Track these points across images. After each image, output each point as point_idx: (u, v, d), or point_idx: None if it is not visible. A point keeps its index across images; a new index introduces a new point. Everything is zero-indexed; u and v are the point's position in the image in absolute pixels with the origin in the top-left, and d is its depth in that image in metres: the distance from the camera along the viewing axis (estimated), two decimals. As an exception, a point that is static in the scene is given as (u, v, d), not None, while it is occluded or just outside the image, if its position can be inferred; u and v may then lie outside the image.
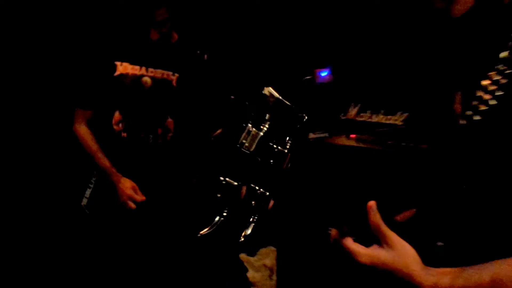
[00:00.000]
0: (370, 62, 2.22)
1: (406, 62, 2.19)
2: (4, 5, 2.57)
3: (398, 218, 1.22)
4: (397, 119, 2.10)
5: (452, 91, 1.08)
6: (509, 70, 0.85)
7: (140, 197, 1.96)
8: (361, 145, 2.13)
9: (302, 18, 2.49)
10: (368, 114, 2.13)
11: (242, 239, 0.85)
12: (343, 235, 0.85)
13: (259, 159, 0.88)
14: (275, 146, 0.89)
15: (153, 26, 1.92)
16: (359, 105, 2.19)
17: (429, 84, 2.05)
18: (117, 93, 1.97)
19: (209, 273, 2.51)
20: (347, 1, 2.42)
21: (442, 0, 0.90)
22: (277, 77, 2.41)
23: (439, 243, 0.90)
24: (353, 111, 2.15)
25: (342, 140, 2.21)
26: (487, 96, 0.87)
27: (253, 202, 0.86)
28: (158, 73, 2.00)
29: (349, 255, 0.83)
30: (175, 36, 2.05)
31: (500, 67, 0.86)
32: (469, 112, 0.90)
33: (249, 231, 0.86)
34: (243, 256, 2.56)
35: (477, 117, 0.88)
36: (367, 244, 0.82)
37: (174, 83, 2.03)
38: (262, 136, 0.87)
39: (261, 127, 0.89)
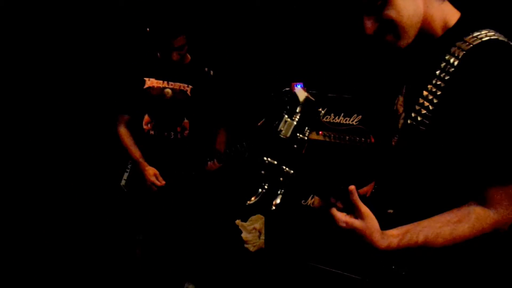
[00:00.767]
0: (335, 78, 2.67)
1: (361, 77, 2.60)
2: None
3: (366, 193, 1.48)
4: (353, 120, 2.40)
5: (394, 97, 1.24)
6: (443, 84, 0.98)
7: (160, 183, 2.34)
8: (327, 139, 2.45)
9: (280, 40, 2.94)
10: (331, 116, 2.45)
11: (274, 207, 0.96)
12: (329, 204, 1.00)
13: (292, 144, 0.99)
14: (298, 134, 1.01)
15: (173, 50, 2.27)
16: (325, 109, 2.72)
17: (377, 94, 2.37)
18: (146, 101, 2.38)
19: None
20: (313, 27, 2.83)
21: (391, 36, 1.02)
22: (264, 89, 2.94)
23: (390, 211, 1.07)
24: (321, 114, 2.70)
25: (314, 135, 2.71)
26: (426, 103, 1.01)
27: (281, 178, 0.96)
28: (177, 85, 2.40)
29: (332, 219, 0.99)
30: (189, 57, 2.44)
31: (436, 81, 0.99)
32: (413, 114, 1.04)
33: (278, 201, 0.97)
34: (238, 221, 3.00)
35: (419, 118, 1.02)
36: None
37: (189, 92, 2.42)
38: (295, 124, 0.99)
39: (294, 117, 1.01)
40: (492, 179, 0.96)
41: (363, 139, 2.45)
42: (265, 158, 0.98)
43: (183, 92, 2.44)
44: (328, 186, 1.02)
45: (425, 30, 1.04)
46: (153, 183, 2.35)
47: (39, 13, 3.04)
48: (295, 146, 1.00)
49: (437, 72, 0.99)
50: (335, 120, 2.58)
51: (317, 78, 2.78)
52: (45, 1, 3.05)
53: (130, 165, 2.50)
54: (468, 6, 1.10)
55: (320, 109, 2.82)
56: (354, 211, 0.98)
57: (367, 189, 1.56)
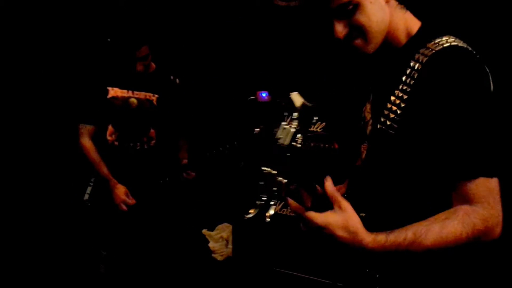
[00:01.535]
0: (297, 86, 2.82)
1: (323, 85, 2.61)
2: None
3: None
4: (317, 127, 2.44)
5: (361, 104, 1.27)
6: (408, 88, 1.02)
7: (131, 202, 2.26)
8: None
9: (244, 48, 2.98)
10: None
11: (268, 219, 0.91)
12: (300, 207, 0.97)
13: (287, 153, 0.94)
14: (292, 142, 0.96)
15: (137, 60, 2.26)
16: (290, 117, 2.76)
17: (340, 101, 2.45)
18: (110, 111, 2.32)
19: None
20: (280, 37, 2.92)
21: (360, 40, 1.04)
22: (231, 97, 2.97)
23: (362, 214, 1.02)
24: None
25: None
26: (394, 108, 1.04)
27: (275, 189, 0.92)
28: (142, 95, 2.37)
29: (306, 220, 0.95)
30: (153, 66, 2.41)
31: (402, 87, 1.03)
32: (382, 119, 1.06)
33: (272, 212, 0.91)
34: (204, 231, 2.98)
35: (388, 122, 1.05)
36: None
37: (154, 102, 2.37)
38: (293, 131, 0.95)
39: (291, 124, 0.97)
40: (467, 173, 0.95)
41: (327, 145, 2.50)
42: (263, 168, 0.94)
43: (149, 101, 2.41)
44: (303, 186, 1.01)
45: (390, 38, 1.09)
46: (124, 202, 2.27)
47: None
48: (289, 154, 0.96)
49: (403, 78, 1.03)
50: None
51: (281, 87, 2.84)
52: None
53: (93, 178, 2.42)
54: (428, 15, 1.15)
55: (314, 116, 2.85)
56: (331, 207, 0.95)
57: (339, 187, 1.53)
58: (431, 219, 0.95)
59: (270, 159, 0.95)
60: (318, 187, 0.98)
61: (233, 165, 2.63)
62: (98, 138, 2.37)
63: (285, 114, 0.98)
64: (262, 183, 0.92)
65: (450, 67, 0.98)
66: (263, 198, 0.92)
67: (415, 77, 1.01)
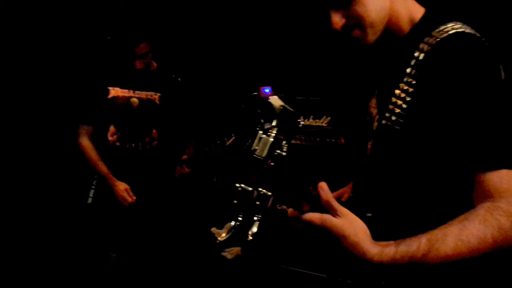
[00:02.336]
0: (302, 80, 2.74)
1: (328, 79, 2.61)
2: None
3: (342, 199, 1.46)
4: (322, 122, 2.39)
5: (367, 99, 1.21)
6: (413, 81, 0.96)
7: (131, 198, 2.27)
8: (297, 142, 2.42)
9: (247, 43, 2.90)
10: (301, 118, 2.43)
11: (250, 237, 0.86)
12: (298, 212, 0.86)
13: (268, 164, 0.86)
14: (275, 150, 0.87)
15: (137, 58, 2.24)
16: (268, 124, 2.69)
17: (346, 94, 2.39)
18: (111, 111, 2.30)
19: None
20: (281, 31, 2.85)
21: (359, 31, 1.00)
22: (233, 93, 2.91)
23: (368, 214, 0.97)
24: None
25: None
26: (399, 102, 0.99)
27: (257, 203, 0.84)
28: (143, 94, 2.34)
29: (306, 223, 0.85)
30: (155, 64, 2.39)
31: (407, 79, 0.97)
32: (387, 114, 1.01)
33: (255, 229, 0.86)
34: (213, 229, 2.99)
35: (394, 118, 0.99)
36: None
37: (157, 101, 2.35)
38: (272, 141, 0.86)
39: (269, 133, 0.87)
40: (488, 165, 0.86)
41: (333, 140, 2.46)
42: (237, 185, 0.84)
43: (151, 101, 2.38)
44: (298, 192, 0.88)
45: (392, 27, 1.04)
46: (125, 199, 2.27)
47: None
48: (273, 164, 0.87)
49: (408, 70, 0.98)
50: (305, 122, 2.59)
51: (285, 81, 2.79)
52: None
53: (95, 181, 2.41)
54: (432, 1, 1.10)
55: (300, 120, 2.82)
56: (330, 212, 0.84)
57: (343, 190, 1.58)
58: (448, 223, 0.82)
59: (245, 173, 0.86)
60: (313, 190, 0.87)
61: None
62: (99, 139, 2.36)
63: (262, 121, 0.91)
64: (236, 201, 0.84)
65: (457, 54, 0.92)
66: (239, 218, 0.86)
67: (419, 67, 0.96)
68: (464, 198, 0.89)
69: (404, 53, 1.01)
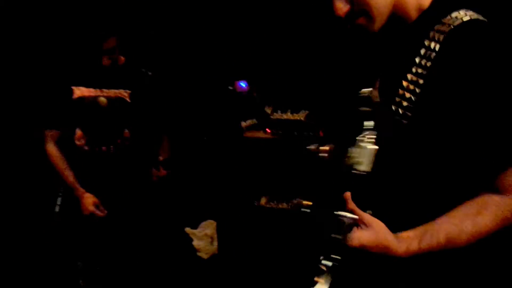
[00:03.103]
0: (279, 74, 2.53)
1: (306, 73, 2.48)
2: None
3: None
4: (300, 116, 2.35)
5: (347, 91, 1.20)
6: (424, 71, 0.91)
7: (102, 213, 2.11)
8: (275, 136, 2.38)
9: (221, 36, 2.73)
10: (279, 113, 2.38)
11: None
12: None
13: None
14: None
15: (104, 53, 2.06)
16: (271, 106, 2.68)
17: (324, 88, 2.38)
18: (77, 113, 2.11)
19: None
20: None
21: (364, 19, 0.95)
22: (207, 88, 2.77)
23: (369, 211, 0.94)
24: (268, 111, 2.63)
25: (261, 134, 2.40)
26: (407, 94, 0.93)
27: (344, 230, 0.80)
28: (112, 92, 2.15)
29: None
30: (122, 58, 2.16)
31: (416, 69, 0.92)
32: (394, 107, 0.95)
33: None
34: (188, 229, 2.75)
35: (401, 111, 0.94)
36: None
37: (127, 99, 2.18)
38: (375, 150, 0.82)
39: (369, 139, 0.85)
40: (503, 164, 0.88)
41: (311, 133, 2.47)
42: (341, 214, 0.86)
43: (121, 99, 2.20)
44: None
45: (398, 13, 0.97)
46: (93, 213, 2.11)
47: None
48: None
49: (417, 60, 0.92)
50: (283, 117, 2.57)
51: (261, 75, 2.71)
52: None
53: (63, 188, 2.21)
54: None
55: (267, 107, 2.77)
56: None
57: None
58: (461, 214, 0.89)
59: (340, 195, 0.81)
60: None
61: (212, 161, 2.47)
62: (66, 144, 2.16)
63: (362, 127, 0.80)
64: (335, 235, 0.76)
65: (473, 43, 0.88)
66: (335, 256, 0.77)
67: (432, 58, 0.90)
68: (469, 194, 0.91)
69: (412, 42, 0.95)
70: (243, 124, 2.15)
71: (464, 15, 0.90)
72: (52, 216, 2.22)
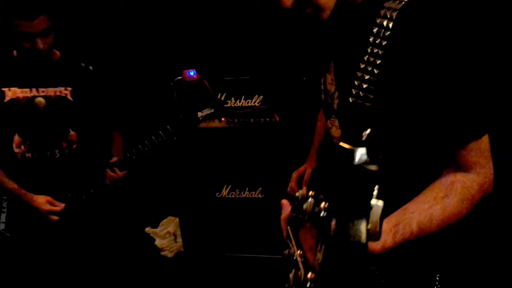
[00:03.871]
0: (228, 60, 2.38)
1: (256, 57, 2.41)
2: None
3: (305, 176, 1.44)
4: (255, 101, 2.24)
5: (316, 75, 1.16)
6: (380, 51, 0.89)
7: (59, 206, 1.96)
8: (231, 125, 2.27)
9: (166, 23, 2.63)
10: (232, 100, 2.24)
11: None
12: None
13: None
14: None
15: (36, 36, 1.77)
16: (224, 94, 2.56)
17: (276, 71, 2.29)
18: (12, 117, 1.92)
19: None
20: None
21: (311, 8, 0.92)
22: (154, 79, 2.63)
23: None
24: (221, 99, 2.52)
25: (216, 123, 2.56)
26: (366, 76, 0.92)
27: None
28: (50, 91, 1.96)
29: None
30: (57, 53, 2.01)
31: (372, 49, 0.90)
32: (354, 91, 0.93)
33: None
34: (148, 229, 2.66)
35: (362, 93, 0.93)
36: None
37: (69, 96, 1.99)
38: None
39: None
40: (463, 138, 0.89)
41: (267, 119, 2.42)
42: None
43: (62, 97, 2.00)
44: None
45: None
46: (51, 212, 1.94)
47: None
48: None
49: (371, 39, 0.91)
50: (237, 104, 2.51)
51: (209, 62, 2.60)
52: None
53: (5, 203, 2.00)
54: None
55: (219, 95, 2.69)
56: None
57: (303, 168, 1.56)
58: (429, 199, 0.89)
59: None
60: None
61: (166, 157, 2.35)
62: (4, 152, 1.96)
63: None
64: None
65: (429, 12, 0.86)
66: None
67: (387, 35, 0.89)
68: (437, 170, 0.93)
69: (362, 22, 0.94)
70: (200, 114, 2.04)
71: None
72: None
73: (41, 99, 1.96)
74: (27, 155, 1.97)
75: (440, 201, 0.89)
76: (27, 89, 1.94)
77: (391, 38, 0.88)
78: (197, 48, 2.57)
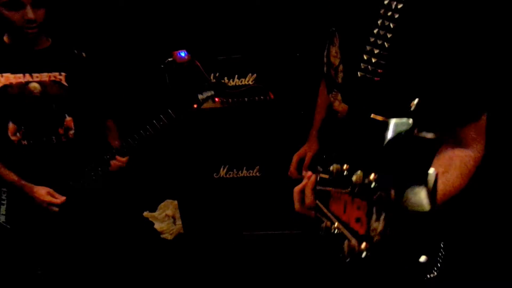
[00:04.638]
0: (220, 39, 2.32)
1: (248, 35, 2.38)
2: None
3: (306, 159, 1.45)
4: (248, 80, 2.23)
5: (317, 48, 1.15)
6: (392, 24, 0.87)
7: (60, 199, 1.93)
8: (225, 105, 2.26)
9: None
10: (225, 79, 2.21)
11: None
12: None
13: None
14: None
15: (26, 4, 1.72)
16: (217, 74, 2.54)
17: (269, 49, 2.25)
18: (6, 104, 1.87)
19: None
20: None
21: None
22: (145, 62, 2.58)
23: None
24: (213, 79, 2.49)
25: (210, 104, 2.54)
26: (376, 50, 0.90)
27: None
28: (45, 76, 1.91)
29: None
30: (49, 40, 1.97)
31: (383, 22, 0.89)
32: (363, 65, 0.92)
33: None
34: (146, 213, 2.65)
35: (371, 68, 0.91)
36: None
37: (64, 82, 1.95)
38: None
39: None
40: (467, 118, 0.92)
41: (262, 97, 2.42)
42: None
43: (57, 82, 1.94)
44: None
45: None
46: (51, 203, 1.91)
47: None
48: None
49: (381, 11, 0.88)
50: (230, 83, 2.50)
51: (200, 42, 2.57)
52: None
53: (5, 195, 1.96)
54: None
55: (212, 75, 2.67)
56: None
57: (303, 150, 1.58)
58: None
59: None
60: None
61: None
62: (1, 141, 1.91)
63: None
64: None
65: None
66: None
67: (399, 8, 0.86)
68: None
69: None
70: (200, 96, 2.03)
71: None
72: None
73: (35, 85, 1.90)
74: (23, 142, 1.91)
75: (440, 177, 0.89)
76: (20, 75, 1.88)
77: (404, 11, 0.86)
78: (185, 26, 2.51)
